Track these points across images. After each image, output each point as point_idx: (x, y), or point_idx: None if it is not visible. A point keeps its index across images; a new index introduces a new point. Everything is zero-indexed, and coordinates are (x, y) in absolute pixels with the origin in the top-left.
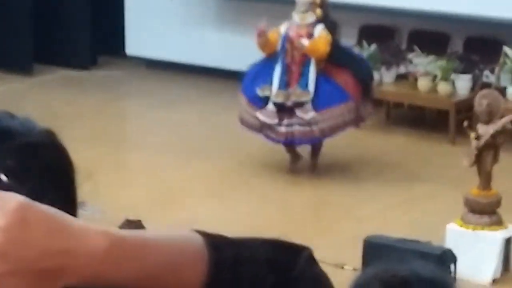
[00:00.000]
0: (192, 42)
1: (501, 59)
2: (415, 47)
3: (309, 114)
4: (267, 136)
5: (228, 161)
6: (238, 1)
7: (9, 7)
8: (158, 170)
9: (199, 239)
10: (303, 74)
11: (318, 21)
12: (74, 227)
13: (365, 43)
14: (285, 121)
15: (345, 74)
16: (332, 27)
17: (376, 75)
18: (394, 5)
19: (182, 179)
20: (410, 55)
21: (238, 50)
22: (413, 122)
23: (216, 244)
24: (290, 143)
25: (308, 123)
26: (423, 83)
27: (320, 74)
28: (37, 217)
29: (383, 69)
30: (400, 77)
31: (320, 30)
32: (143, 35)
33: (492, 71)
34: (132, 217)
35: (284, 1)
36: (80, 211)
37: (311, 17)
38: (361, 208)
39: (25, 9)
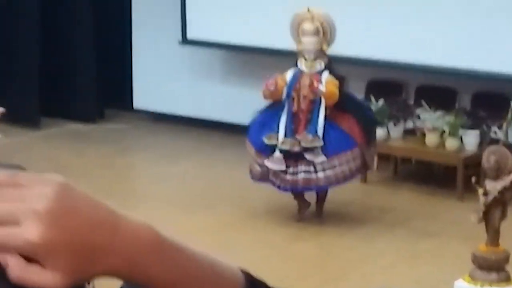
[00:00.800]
0: (198, 95)
1: (509, 115)
2: (423, 102)
3: (319, 158)
4: (274, 184)
5: (233, 213)
6: (244, 55)
7: (17, 60)
8: (164, 222)
9: (239, 272)
10: (311, 121)
11: (325, 68)
12: (118, 212)
13: (373, 98)
14: (291, 169)
15: (350, 120)
16: (337, 73)
17: (383, 130)
18: (402, 60)
19: (188, 231)
20: (418, 110)
21: (244, 104)
22: (421, 178)
23: (254, 283)
24: (296, 191)
25: (315, 170)
26: (431, 139)
27: (325, 122)
28: (82, 192)
29: (390, 124)
30: (408, 132)
31: (327, 76)
32: (150, 88)
33: (500, 127)
34: None
35: (291, 54)
36: None
37: (319, 65)
38: (368, 262)
39: (32, 62)
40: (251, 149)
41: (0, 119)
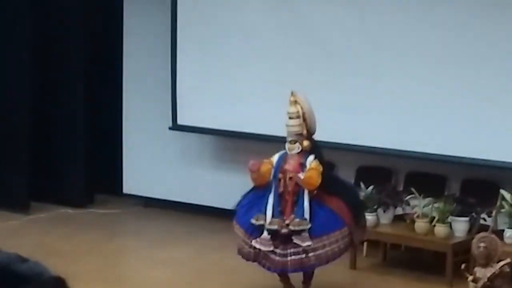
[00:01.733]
0: (189, 180)
1: (498, 202)
2: (412, 189)
3: (306, 242)
4: (263, 265)
5: None
6: (234, 140)
7: (6, 145)
8: None
9: None
10: (297, 203)
11: (309, 152)
12: None
13: (362, 184)
14: (280, 250)
15: (338, 201)
16: (323, 157)
17: (373, 216)
18: (391, 147)
19: None
20: (407, 197)
21: (234, 189)
22: (410, 264)
23: None
24: (286, 272)
25: (305, 251)
26: (420, 225)
27: (313, 201)
28: None
29: (380, 210)
30: (397, 219)
31: (311, 160)
32: (140, 173)
33: (489, 214)
34: None
35: (282, 141)
36: None
37: (297, 149)
38: None
39: (21, 147)
40: (239, 230)
41: None
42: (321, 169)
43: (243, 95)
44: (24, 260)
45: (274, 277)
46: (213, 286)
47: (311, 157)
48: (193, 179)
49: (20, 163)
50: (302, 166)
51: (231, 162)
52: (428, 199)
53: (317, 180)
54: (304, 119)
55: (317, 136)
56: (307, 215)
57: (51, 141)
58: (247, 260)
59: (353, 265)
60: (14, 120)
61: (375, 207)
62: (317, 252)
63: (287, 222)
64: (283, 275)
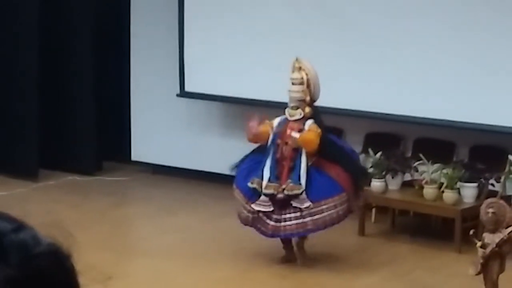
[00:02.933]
0: (196, 147)
1: (507, 168)
2: (421, 155)
3: (305, 203)
4: (258, 230)
5: (232, 266)
6: (242, 107)
7: (16, 113)
8: (161, 276)
9: None
10: (294, 169)
11: (308, 118)
12: None
13: (371, 151)
14: (275, 215)
15: (337, 168)
16: (322, 124)
17: (381, 183)
18: (399, 113)
19: (187, 285)
20: (416, 163)
21: (242, 155)
22: (419, 230)
23: None
24: (283, 237)
25: (302, 216)
26: (428, 191)
27: (312, 167)
28: None
29: (388, 176)
30: (406, 185)
31: (309, 123)
32: (148, 140)
33: (497, 180)
34: None
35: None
36: None
37: (299, 114)
38: None
39: (31, 114)
40: (238, 195)
41: None
42: (319, 131)
43: (251, 62)
44: (18, 230)
45: (281, 244)
46: (221, 253)
47: (310, 121)
48: (201, 145)
49: (29, 131)
50: (301, 131)
51: (239, 128)
52: (436, 165)
53: (314, 140)
54: (308, 85)
55: (326, 103)
56: (302, 180)
57: (59, 108)
58: (245, 224)
59: (362, 231)
60: (23, 88)
61: (384, 173)
62: (315, 217)
63: (283, 187)
64: (283, 242)
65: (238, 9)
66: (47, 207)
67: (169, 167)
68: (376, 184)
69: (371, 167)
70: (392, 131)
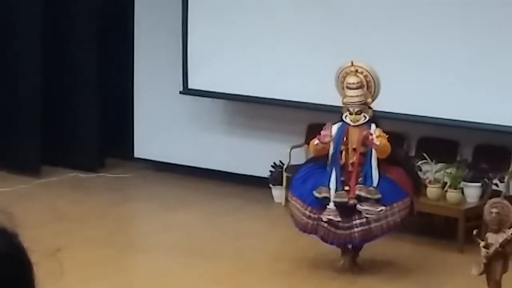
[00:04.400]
0: (199, 145)
1: (510, 168)
2: (424, 154)
3: (379, 207)
4: (325, 239)
5: (234, 264)
6: (245, 105)
7: (19, 109)
8: (162, 273)
9: None
10: (364, 174)
11: (370, 121)
12: None
13: None
14: (344, 223)
15: (398, 170)
16: (380, 126)
17: None
18: (403, 112)
19: (187, 282)
20: (419, 162)
21: (245, 153)
22: (422, 230)
23: None
24: (354, 245)
25: (368, 222)
26: (432, 191)
27: (370, 172)
28: None
29: None
30: None
31: (375, 129)
32: (151, 137)
33: (501, 180)
34: None
35: (293, 105)
36: None
37: (363, 118)
38: None
39: (34, 111)
40: (296, 202)
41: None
42: (386, 136)
43: (254, 59)
44: None
45: (284, 241)
46: (223, 250)
47: (374, 126)
48: (204, 143)
49: (31, 127)
50: (371, 136)
51: (242, 126)
52: (440, 165)
53: (389, 147)
54: (368, 87)
55: (329, 102)
56: (375, 184)
57: (62, 105)
58: (304, 232)
59: None
60: (26, 84)
61: None
62: (380, 223)
63: (357, 192)
64: (347, 247)
65: (242, 6)
66: (49, 203)
67: (171, 164)
68: None
69: None
70: (396, 130)
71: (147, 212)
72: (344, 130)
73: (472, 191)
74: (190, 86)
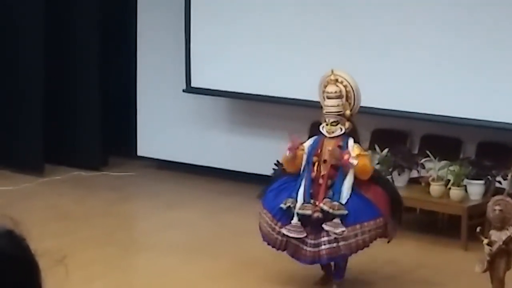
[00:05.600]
0: (202, 143)
1: None
2: (428, 152)
3: (339, 228)
4: (293, 256)
5: (236, 262)
6: (248, 103)
7: (22, 107)
8: (165, 271)
9: None
10: (333, 188)
11: (347, 134)
12: None
13: (377, 147)
14: (311, 240)
15: (376, 189)
16: (359, 142)
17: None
18: (406, 110)
19: (190, 280)
20: (422, 160)
21: (248, 152)
22: (425, 227)
23: None
24: (319, 263)
25: (336, 240)
26: (435, 188)
27: (340, 187)
28: None
29: (395, 173)
30: (412, 182)
31: (352, 145)
32: (154, 136)
33: (504, 177)
34: None
35: (295, 103)
36: None
37: (339, 130)
38: None
39: (36, 109)
40: (266, 215)
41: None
42: (369, 155)
43: (257, 58)
44: None
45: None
46: (225, 248)
47: (351, 141)
48: (207, 141)
49: (34, 125)
50: (341, 148)
51: (245, 124)
52: (443, 162)
53: (370, 167)
54: (348, 98)
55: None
56: (344, 200)
57: (65, 103)
58: (273, 247)
59: None
60: (29, 82)
61: (390, 170)
62: (348, 241)
63: (321, 205)
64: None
65: (245, 5)
66: (53, 202)
67: (174, 162)
68: None
69: (377, 163)
70: (399, 127)
71: (149, 210)
72: (319, 142)
73: (475, 189)
74: (193, 84)
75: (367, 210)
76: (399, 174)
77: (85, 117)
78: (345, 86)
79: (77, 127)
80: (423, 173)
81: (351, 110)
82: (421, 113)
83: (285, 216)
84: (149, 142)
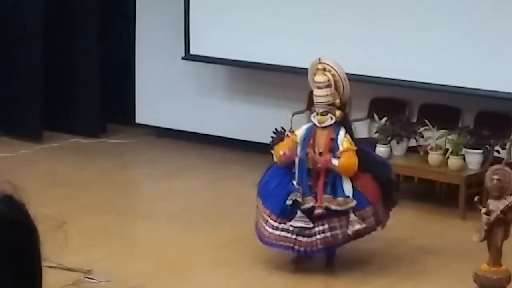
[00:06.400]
0: (201, 111)
1: None
2: (426, 121)
3: (356, 226)
4: (290, 248)
5: (235, 230)
6: (247, 71)
7: (20, 74)
8: (164, 239)
9: None
10: (331, 179)
11: (338, 123)
12: None
13: (376, 116)
14: (309, 231)
15: (365, 177)
16: (352, 129)
17: (386, 148)
18: (405, 78)
19: (189, 248)
20: (421, 129)
21: (247, 120)
22: (423, 196)
23: None
24: (314, 253)
25: (329, 229)
26: (433, 157)
27: (337, 176)
28: None
29: (393, 142)
30: (411, 151)
31: (342, 137)
32: (153, 103)
33: (503, 147)
34: (137, 286)
35: (294, 71)
36: (87, 279)
37: (330, 119)
38: (370, 282)
39: (35, 76)
40: (265, 211)
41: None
42: (354, 147)
43: (258, 25)
44: None
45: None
46: (224, 216)
47: (342, 133)
48: (206, 109)
49: (33, 92)
50: (334, 141)
51: (244, 92)
52: (441, 131)
53: (354, 163)
54: (336, 87)
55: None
56: (349, 192)
57: (64, 70)
58: (264, 243)
59: None
60: (28, 50)
61: (389, 138)
62: (341, 230)
63: (325, 204)
64: (306, 256)
65: None
66: (51, 169)
67: (173, 130)
68: (381, 150)
69: (376, 132)
70: (397, 96)
71: (148, 178)
72: (311, 132)
73: (474, 158)
74: (192, 52)
75: (356, 199)
76: (397, 143)
77: (84, 84)
78: (333, 75)
79: (76, 94)
80: (421, 142)
81: (340, 99)
82: (420, 82)
83: (288, 211)
84: (148, 110)
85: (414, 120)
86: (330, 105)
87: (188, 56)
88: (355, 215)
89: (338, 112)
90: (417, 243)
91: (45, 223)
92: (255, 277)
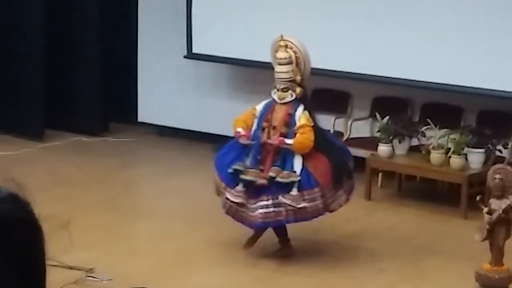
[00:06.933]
0: (203, 109)
1: None
2: (428, 120)
3: (301, 203)
4: (236, 219)
5: (235, 229)
6: (249, 69)
7: (22, 72)
8: (165, 238)
9: None
10: (281, 154)
11: (298, 100)
12: None
13: (378, 115)
14: (252, 206)
15: (318, 159)
16: (311, 106)
17: (388, 147)
18: (407, 77)
19: (189, 247)
20: (423, 128)
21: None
22: (425, 195)
23: None
24: (254, 227)
25: (273, 205)
26: (435, 156)
27: (289, 154)
28: None
29: (395, 141)
30: (413, 150)
31: (300, 113)
32: (155, 102)
33: (505, 146)
34: (139, 285)
35: None
36: (89, 278)
37: (290, 96)
38: (372, 281)
39: (37, 74)
40: (220, 183)
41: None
42: (311, 124)
43: (259, 24)
44: None
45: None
46: (226, 215)
47: (300, 109)
48: (207, 108)
49: (35, 91)
50: (291, 117)
51: (246, 91)
52: (444, 130)
53: (310, 139)
54: (298, 64)
55: (333, 66)
56: (298, 168)
57: (66, 69)
58: (226, 212)
59: (368, 196)
60: (29, 47)
61: (391, 138)
62: (285, 208)
63: (270, 173)
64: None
65: None
66: (53, 167)
67: (175, 128)
68: (383, 149)
69: (378, 131)
70: (399, 95)
71: (150, 177)
72: (270, 107)
73: (476, 157)
74: (194, 50)
75: (304, 179)
76: (399, 142)
77: (86, 83)
78: (294, 52)
79: (78, 92)
80: (423, 141)
81: (301, 76)
82: (422, 81)
83: (233, 181)
84: (150, 108)
85: (416, 119)
86: (290, 81)
87: (190, 55)
88: (303, 194)
89: (298, 89)
90: (419, 242)
91: (48, 221)
92: (256, 276)
